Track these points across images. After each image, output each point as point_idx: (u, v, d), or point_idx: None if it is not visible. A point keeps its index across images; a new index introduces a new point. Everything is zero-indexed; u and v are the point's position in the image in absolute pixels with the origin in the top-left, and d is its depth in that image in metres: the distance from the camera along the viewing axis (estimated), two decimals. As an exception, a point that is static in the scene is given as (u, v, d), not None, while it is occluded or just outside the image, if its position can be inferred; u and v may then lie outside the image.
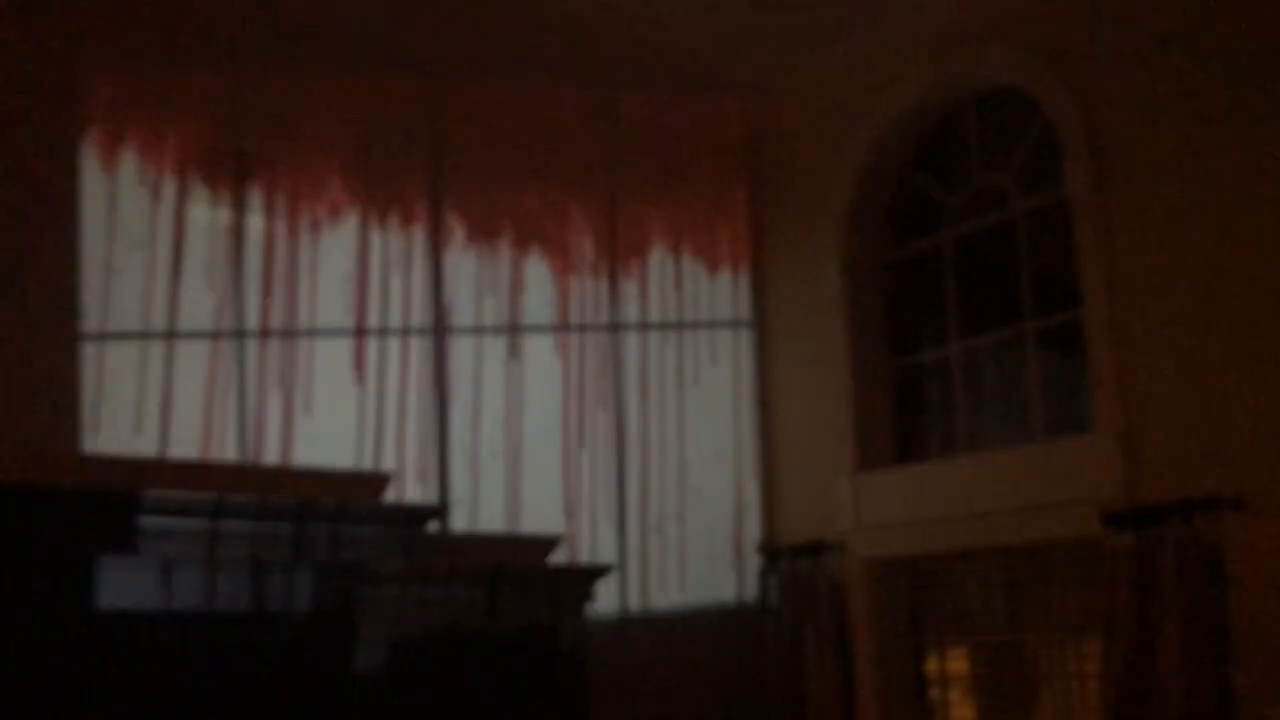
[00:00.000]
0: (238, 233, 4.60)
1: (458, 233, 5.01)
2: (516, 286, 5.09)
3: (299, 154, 4.69)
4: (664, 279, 5.41)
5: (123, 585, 3.61)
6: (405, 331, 4.89)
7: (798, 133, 5.50)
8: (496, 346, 5.08)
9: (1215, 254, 3.83)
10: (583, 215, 5.25)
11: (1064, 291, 4.39)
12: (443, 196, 4.97)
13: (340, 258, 4.81)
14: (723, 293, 5.50)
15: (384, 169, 4.85)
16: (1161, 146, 4.01)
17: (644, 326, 5.37)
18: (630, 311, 5.34)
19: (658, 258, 5.41)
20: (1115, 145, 4.15)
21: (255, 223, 4.67)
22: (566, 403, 5.17)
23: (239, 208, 4.60)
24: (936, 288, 5.04)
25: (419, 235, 4.94)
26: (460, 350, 5.02)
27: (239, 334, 4.61)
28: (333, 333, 4.79)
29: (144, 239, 4.48)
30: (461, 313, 5.02)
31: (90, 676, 3.49)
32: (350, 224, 4.82)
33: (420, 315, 4.94)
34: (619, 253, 5.32)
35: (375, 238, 4.86)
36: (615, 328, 5.31)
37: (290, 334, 4.67)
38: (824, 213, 5.30)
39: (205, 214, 4.58)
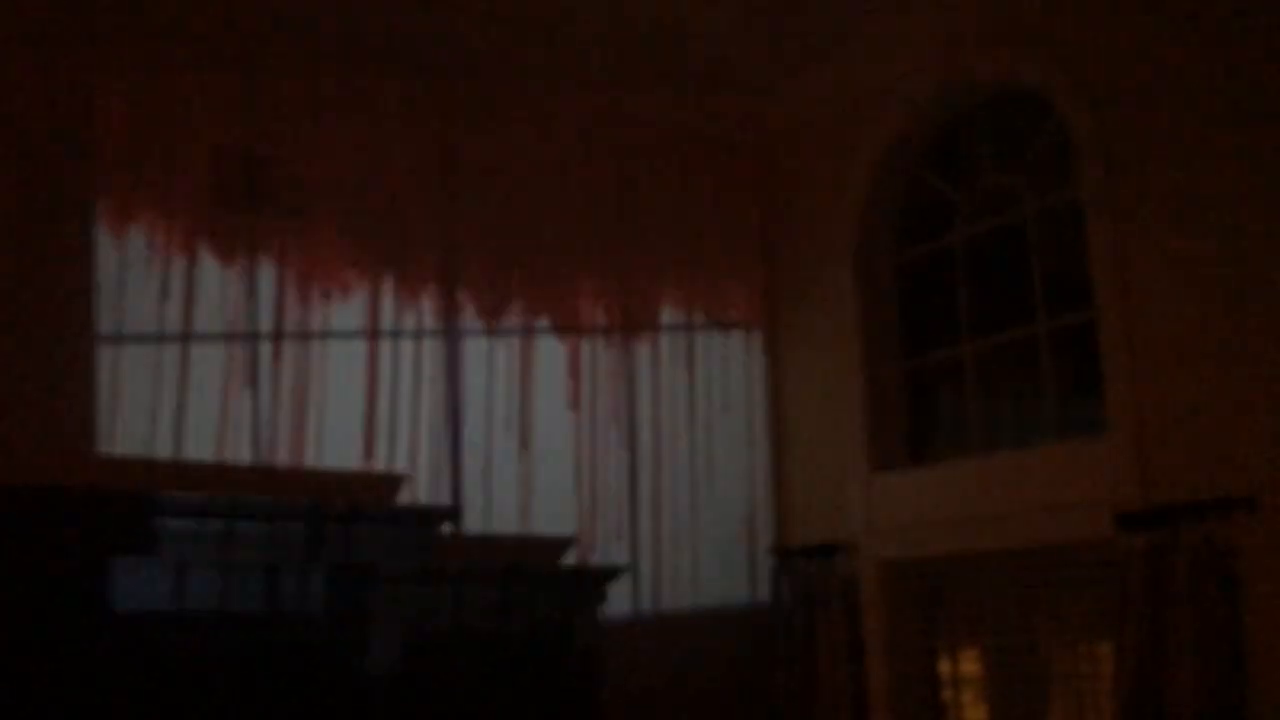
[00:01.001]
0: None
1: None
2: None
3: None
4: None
5: (137, 587, 3.63)
6: (418, 334, 4.91)
7: (808, 133, 5.51)
8: (510, 353, 5.11)
9: (1229, 254, 3.82)
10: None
11: (1076, 292, 4.39)
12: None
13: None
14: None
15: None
16: (1174, 147, 4.00)
17: (656, 329, 5.38)
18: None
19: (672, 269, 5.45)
20: (1127, 145, 4.14)
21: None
22: (578, 404, 5.17)
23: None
24: (948, 289, 5.03)
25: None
26: (473, 353, 5.04)
27: (253, 336, 4.63)
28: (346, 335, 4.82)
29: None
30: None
31: (105, 678, 3.51)
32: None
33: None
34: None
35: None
36: (627, 331, 5.32)
37: (304, 336, 4.70)
38: (835, 214, 5.30)
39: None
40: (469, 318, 5.01)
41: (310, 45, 4.67)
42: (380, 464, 4.73)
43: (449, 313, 4.95)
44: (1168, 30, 4.04)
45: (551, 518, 5.00)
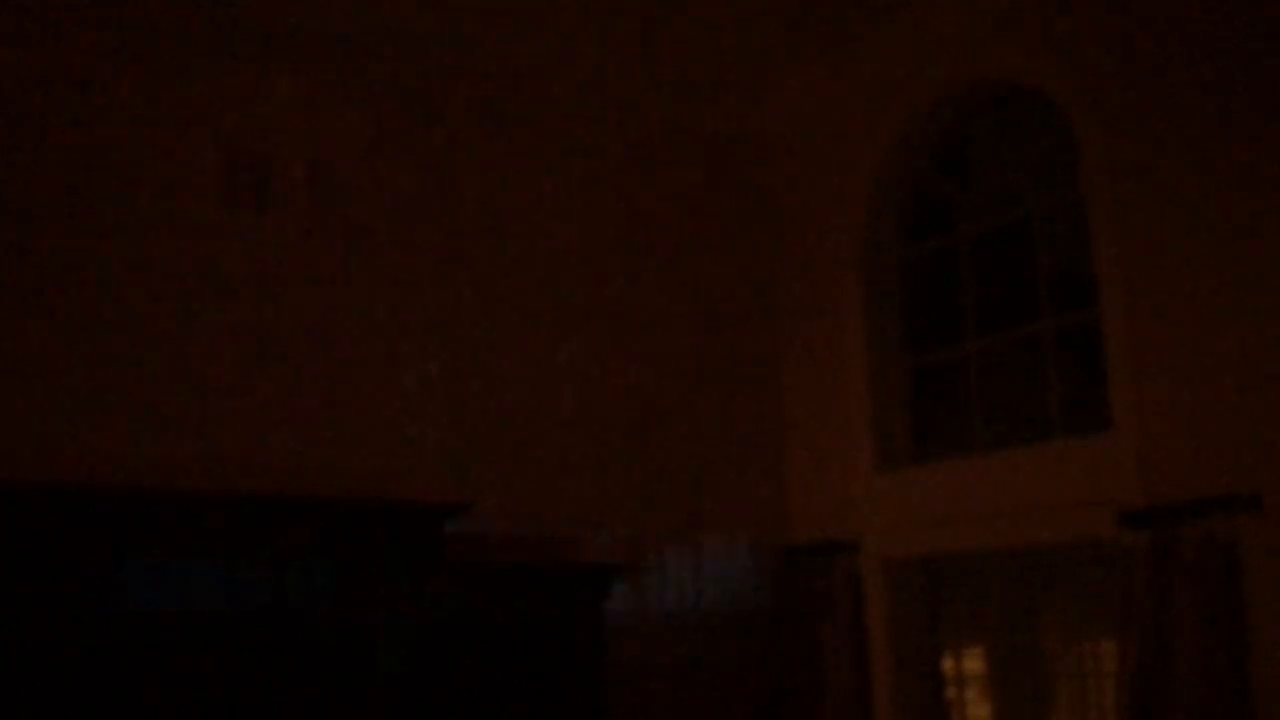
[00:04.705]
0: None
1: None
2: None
3: None
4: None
5: (141, 583, 3.64)
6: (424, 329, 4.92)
7: (812, 132, 5.52)
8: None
9: (1233, 251, 3.82)
10: None
11: (1080, 290, 4.40)
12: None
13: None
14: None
15: None
16: (1178, 145, 4.00)
17: (663, 327, 5.39)
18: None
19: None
20: (1131, 144, 4.15)
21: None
22: (583, 401, 5.18)
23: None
24: (952, 286, 5.04)
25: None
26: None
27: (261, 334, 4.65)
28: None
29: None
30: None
31: (109, 676, 3.53)
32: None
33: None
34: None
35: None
36: (631, 326, 5.34)
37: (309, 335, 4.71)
38: (839, 213, 5.31)
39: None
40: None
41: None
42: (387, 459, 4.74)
43: None
44: (1172, 29, 4.05)
45: (557, 515, 5.01)
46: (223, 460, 4.39)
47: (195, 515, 3.76)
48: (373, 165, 4.86)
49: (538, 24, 4.83)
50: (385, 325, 4.80)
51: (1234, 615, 3.63)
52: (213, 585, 3.73)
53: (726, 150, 5.65)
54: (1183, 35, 4.01)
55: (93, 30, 4.39)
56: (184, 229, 4.47)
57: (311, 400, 4.62)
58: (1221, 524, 3.68)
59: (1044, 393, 4.61)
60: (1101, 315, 4.22)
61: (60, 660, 3.46)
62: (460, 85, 5.05)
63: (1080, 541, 4.27)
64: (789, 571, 5.25)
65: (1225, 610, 3.64)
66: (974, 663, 4.91)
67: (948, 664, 4.95)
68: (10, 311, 4.13)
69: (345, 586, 3.96)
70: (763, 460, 5.48)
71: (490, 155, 5.09)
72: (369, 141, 4.86)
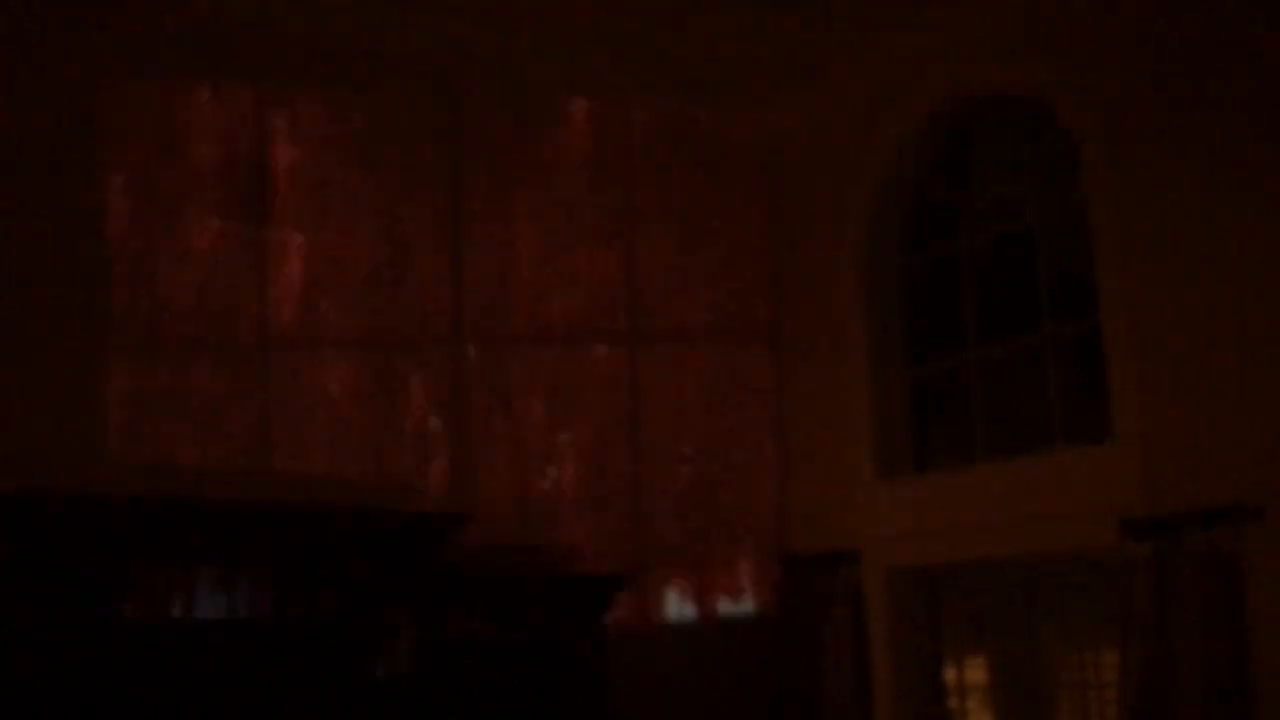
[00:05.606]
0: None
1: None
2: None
3: None
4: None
5: (144, 593, 3.63)
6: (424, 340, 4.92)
7: (816, 141, 5.52)
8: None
9: (1234, 260, 3.82)
10: None
11: (1082, 299, 4.40)
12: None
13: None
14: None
15: None
16: (1179, 154, 4.00)
17: (664, 336, 5.40)
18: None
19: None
20: (1132, 153, 4.14)
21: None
22: (585, 411, 5.18)
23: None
24: (954, 295, 5.04)
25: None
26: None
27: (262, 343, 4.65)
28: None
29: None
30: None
31: (109, 683, 3.52)
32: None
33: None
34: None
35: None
36: (635, 336, 5.34)
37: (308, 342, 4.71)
38: (840, 223, 5.31)
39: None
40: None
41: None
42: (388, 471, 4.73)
43: None
44: (1172, 37, 4.05)
45: (558, 525, 5.00)
46: (224, 469, 4.38)
47: (196, 524, 3.76)
48: (370, 170, 4.87)
49: (544, 27, 4.83)
50: (384, 334, 4.79)
51: (1236, 625, 3.63)
52: (213, 594, 3.73)
53: (729, 158, 5.64)
54: (1183, 43, 4.01)
55: (93, 36, 4.39)
56: (186, 233, 4.48)
57: (313, 411, 4.62)
58: (1224, 534, 3.67)
59: (1046, 402, 4.60)
60: (1103, 324, 4.21)
61: (60, 667, 3.45)
62: (464, 92, 5.05)
63: (1082, 551, 4.27)
64: (790, 581, 5.24)
65: (1227, 620, 3.63)
66: (976, 672, 4.90)
67: (949, 673, 4.94)
68: (11, 317, 4.13)
69: (347, 596, 3.95)
70: (764, 469, 5.47)
71: (493, 163, 5.09)
72: (367, 147, 4.87)
